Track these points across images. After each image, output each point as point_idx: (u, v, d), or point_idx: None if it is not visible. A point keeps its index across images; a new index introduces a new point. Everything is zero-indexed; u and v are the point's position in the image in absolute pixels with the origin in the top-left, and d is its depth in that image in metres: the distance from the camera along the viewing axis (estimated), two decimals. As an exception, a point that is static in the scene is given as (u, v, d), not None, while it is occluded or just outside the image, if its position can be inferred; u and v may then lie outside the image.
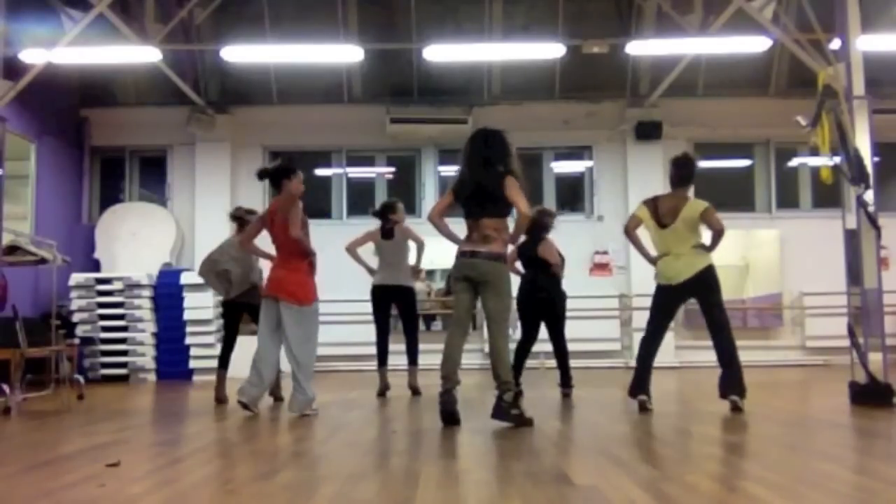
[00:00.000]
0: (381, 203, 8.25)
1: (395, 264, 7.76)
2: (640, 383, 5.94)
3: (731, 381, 5.81)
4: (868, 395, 6.08)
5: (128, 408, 7.51)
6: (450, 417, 5.13)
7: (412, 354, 7.76)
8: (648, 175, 11.76)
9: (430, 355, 7.79)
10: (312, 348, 6.01)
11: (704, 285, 5.89)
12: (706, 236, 6.01)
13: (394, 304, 7.85)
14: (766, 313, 12.17)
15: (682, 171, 6.12)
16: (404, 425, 5.46)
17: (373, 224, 7.99)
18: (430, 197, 12.36)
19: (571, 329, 10.85)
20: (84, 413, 6.76)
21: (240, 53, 10.27)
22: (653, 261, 6.06)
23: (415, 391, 7.56)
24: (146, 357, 10.74)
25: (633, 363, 6.08)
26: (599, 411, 6.28)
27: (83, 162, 12.32)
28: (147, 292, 10.80)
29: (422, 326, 11.65)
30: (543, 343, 11.53)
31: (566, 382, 7.41)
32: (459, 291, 5.31)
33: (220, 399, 7.15)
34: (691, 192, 6.28)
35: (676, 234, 5.93)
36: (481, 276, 5.19)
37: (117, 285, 10.76)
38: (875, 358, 6.30)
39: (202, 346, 10.74)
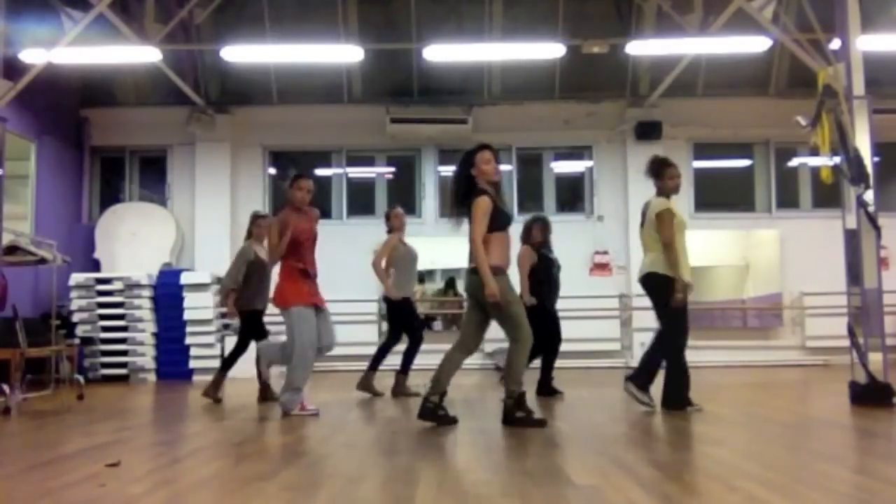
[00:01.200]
0: None
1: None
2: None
3: (665, 390, 5.94)
4: (868, 395, 6.08)
5: (128, 408, 7.51)
6: (424, 417, 5.22)
7: (402, 362, 7.66)
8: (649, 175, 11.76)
9: (423, 356, 7.78)
10: (298, 350, 5.98)
11: (647, 290, 6.02)
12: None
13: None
14: (766, 313, 12.16)
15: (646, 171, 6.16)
16: (404, 425, 5.46)
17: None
18: (429, 197, 12.37)
19: (572, 329, 10.93)
20: (84, 413, 6.75)
21: (240, 53, 10.27)
22: None
23: (394, 395, 7.49)
24: (146, 357, 10.74)
25: (633, 363, 6.08)
26: (599, 411, 6.27)
27: (83, 162, 12.32)
28: (147, 292, 10.80)
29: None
30: (543, 343, 11.49)
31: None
32: (467, 309, 5.44)
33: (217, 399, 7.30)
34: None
35: (644, 232, 6.08)
36: (473, 292, 5.26)
37: (117, 285, 10.75)
38: (875, 358, 6.30)
39: (202, 346, 10.74)
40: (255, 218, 7.57)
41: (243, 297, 7.37)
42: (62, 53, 9.24)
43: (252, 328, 7.51)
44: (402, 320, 7.71)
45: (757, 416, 5.61)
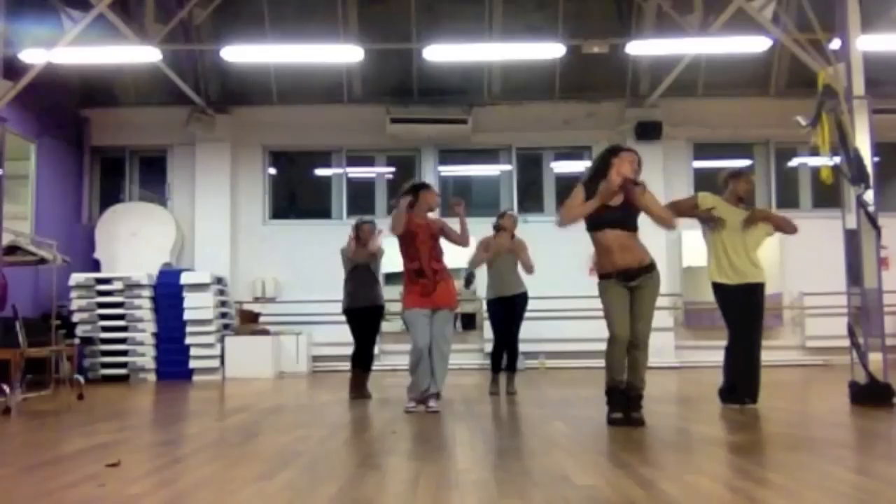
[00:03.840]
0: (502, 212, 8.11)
1: (509, 273, 7.70)
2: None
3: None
4: (868, 395, 6.07)
5: (128, 408, 7.51)
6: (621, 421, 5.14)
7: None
8: (648, 175, 11.63)
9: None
10: (411, 350, 6.18)
11: None
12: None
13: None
14: (767, 313, 12.12)
15: None
16: (404, 425, 5.46)
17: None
18: (429, 197, 12.35)
19: (572, 329, 10.94)
20: (84, 413, 6.75)
21: (240, 53, 10.27)
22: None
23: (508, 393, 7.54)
24: (146, 357, 10.74)
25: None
26: (599, 411, 6.26)
27: (83, 162, 12.31)
28: (147, 292, 10.80)
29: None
30: (543, 343, 11.54)
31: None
32: None
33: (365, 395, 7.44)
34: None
35: None
36: None
37: (117, 285, 10.76)
38: (875, 358, 6.30)
39: (202, 346, 10.75)
40: (360, 224, 7.68)
41: (344, 297, 7.69)
42: (62, 53, 9.23)
43: (352, 326, 7.66)
44: (521, 315, 7.73)
45: (757, 416, 5.61)
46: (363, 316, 7.60)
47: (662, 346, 11.18)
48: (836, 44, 7.17)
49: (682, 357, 11.46)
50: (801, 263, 11.73)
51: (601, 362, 5.32)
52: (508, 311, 7.57)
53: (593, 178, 5.28)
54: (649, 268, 5.19)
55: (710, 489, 3.21)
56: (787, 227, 6.23)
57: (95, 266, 11.52)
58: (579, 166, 12.76)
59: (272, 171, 12.75)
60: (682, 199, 6.38)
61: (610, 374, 5.20)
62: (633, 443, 4.51)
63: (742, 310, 6.01)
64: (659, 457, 4.14)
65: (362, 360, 7.60)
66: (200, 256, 11.94)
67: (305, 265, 11.46)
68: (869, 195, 6.38)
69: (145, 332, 10.75)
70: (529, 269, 7.59)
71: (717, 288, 6.10)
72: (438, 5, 11.78)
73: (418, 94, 12.22)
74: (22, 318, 7.39)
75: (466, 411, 6.25)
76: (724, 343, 6.21)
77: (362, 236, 7.61)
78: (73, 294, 10.69)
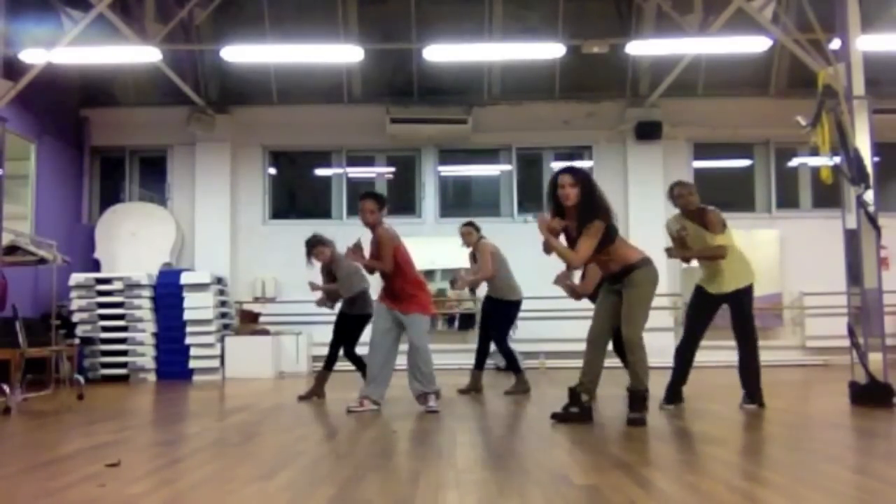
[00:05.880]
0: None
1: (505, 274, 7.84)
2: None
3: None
4: (868, 395, 6.08)
5: (128, 408, 7.51)
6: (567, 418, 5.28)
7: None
8: (648, 175, 11.75)
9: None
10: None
11: None
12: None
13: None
14: (766, 313, 12.16)
15: None
16: (404, 425, 5.46)
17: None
18: (429, 197, 12.37)
19: (571, 329, 10.91)
20: (84, 413, 6.75)
21: (240, 53, 10.27)
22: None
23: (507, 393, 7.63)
24: (146, 357, 10.74)
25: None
26: (600, 411, 6.27)
27: (83, 162, 12.32)
28: (147, 292, 10.80)
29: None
30: (542, 343, 11.54)
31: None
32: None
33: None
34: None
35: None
36: None
37: (117, 285, 10.75)
38: (875, 358, 6.30)
39: (202, 347, 10.74)
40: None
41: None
42: (62, 53, 9.24)
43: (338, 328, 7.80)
44: (492, 319, 7.82)
45: (757, 416, 5.61)
46: (356, 321, 7.67)
47: (662, 346, 11.14)
48: (836, 44, 7.17)
49: (681, 357, 11.44)
50: (801, 263, 11.74)
51: (601, 362, 5.36)
52: (485, 310, 7.89)
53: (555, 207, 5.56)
54: (629, 270, 5.23)
55: (710, 489, 3.21)
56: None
57: (95, 266, 11.52)
58: (579, 166, 12.77)
59: (272, 171, 12.75)
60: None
61: (582, 373, 5.44)
62: (633, 443, 4.50)
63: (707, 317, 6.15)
64: (659, 457, 4.14)
65: (351, 362, 7.76)
66: (200, 256, 11.94)
67: (305, 265, 11.43)
68: (869, 195, 6.38)
69: (145, 332, 10.74)
70: (486, 272, 7.71)
71: (697, 290, 6.23)
72: (438, 5, 11.78)
73: (418, 94, 12.23)
74: (22, 318, 7.39)
75: (466, 411, 6.25)
76: (723, 343, 6.22)
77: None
78: (73, 294, 10.69)
